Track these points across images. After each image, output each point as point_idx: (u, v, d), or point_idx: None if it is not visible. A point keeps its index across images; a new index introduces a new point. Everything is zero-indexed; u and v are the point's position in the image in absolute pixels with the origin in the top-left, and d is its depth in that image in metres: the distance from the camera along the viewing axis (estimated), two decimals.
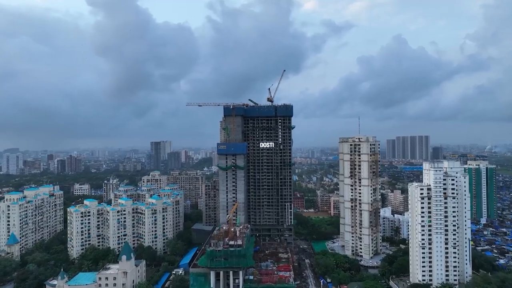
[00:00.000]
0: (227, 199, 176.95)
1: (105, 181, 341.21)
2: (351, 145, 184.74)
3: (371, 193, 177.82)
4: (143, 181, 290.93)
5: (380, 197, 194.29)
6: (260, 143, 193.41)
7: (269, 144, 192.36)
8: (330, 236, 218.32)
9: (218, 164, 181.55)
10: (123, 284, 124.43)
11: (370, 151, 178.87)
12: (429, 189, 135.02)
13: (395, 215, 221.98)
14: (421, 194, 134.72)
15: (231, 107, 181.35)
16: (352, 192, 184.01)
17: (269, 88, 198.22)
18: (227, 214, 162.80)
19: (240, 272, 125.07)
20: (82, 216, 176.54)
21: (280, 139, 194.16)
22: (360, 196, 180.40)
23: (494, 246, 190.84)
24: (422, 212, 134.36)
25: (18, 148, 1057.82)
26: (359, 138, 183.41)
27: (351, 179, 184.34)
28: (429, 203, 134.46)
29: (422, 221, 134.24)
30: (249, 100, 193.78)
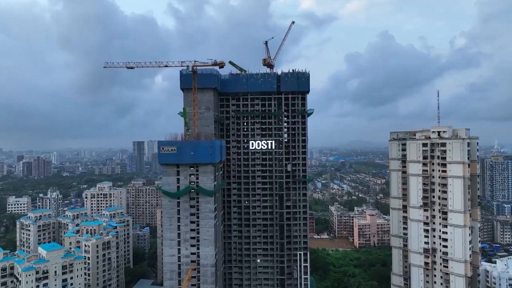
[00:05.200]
0: (178, 257, 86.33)
1: (41, 195, 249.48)
2: (424, 145, 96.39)
3: (468, 240, 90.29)
4: (86, 197, 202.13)
5: (480, 244, 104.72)
6: (251, 142, 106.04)
7: (267, 144, 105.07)
8: None
9: (161, 185, 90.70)
10: None
11: (467, 158, 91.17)
12: None
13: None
14: None
15: (191, 70, 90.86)
16: (427, 237, 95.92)
17: (266, 42, 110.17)
18: None
19: None
20: None
21: (286, 135, 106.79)
22: (445, 246, 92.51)
23: None
24: None
25: (1, 148, 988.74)
26: (439, 132, 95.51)
27: (425, 210, 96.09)
28: None
29: None
30: (230, 62, 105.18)
